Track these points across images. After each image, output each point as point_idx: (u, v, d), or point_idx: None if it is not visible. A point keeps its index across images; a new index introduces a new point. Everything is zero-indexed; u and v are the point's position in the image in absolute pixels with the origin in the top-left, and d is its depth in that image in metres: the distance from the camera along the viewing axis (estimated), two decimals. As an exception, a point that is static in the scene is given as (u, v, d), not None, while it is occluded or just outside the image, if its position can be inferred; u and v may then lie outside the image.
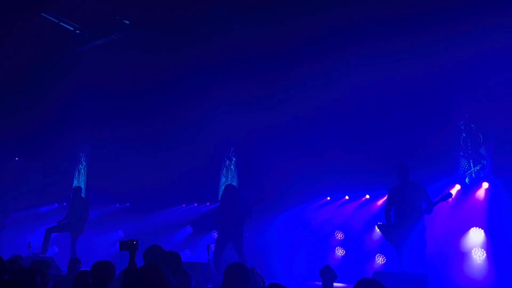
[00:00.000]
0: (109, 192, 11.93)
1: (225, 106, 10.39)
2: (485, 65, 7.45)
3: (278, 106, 9.43)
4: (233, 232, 7.74)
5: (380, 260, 8.29)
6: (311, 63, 8.93)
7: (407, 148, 8.02)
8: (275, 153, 9.66)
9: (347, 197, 9.10)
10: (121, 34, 9.73)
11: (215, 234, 9.37)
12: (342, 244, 8.94)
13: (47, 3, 8.88)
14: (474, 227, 7.33)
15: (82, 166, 13.98)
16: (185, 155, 10.69)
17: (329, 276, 4.19)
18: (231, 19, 8.87)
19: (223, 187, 9.24)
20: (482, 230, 7.26)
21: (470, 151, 7.82)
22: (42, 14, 9.18)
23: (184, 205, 11.44)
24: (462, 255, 7.28)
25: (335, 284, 4.30)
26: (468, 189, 7.62)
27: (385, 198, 8.49)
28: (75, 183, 13.52)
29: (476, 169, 7.71)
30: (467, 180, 7.74)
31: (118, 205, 12.56)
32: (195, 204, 11.33)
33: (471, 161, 7.80)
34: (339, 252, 8.91)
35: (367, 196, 8.84)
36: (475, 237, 7.30)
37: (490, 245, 7.14)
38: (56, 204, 13.48)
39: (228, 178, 11.12)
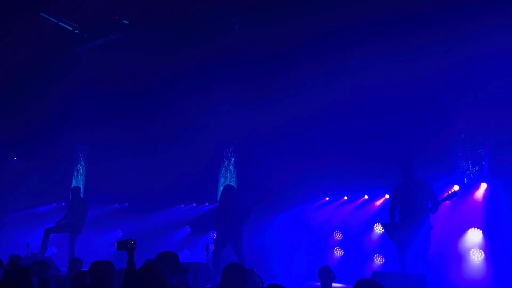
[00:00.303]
0: (108, 192, 11.92)
1: (224, 106, 10.39)
2: (484, 67, 7.45)
3: (277, 107, 9.43)
4: (232, 233, 7.75)
5: (378, 260, 8.30)
6: (310, 63, 8.95)
7: (406, 148, 8.02)
8: (274, 153, 9.67)
9: (346, 198, 9.10)
10: (120, 34, 9.73)
11: (214, 235, 9.37)
12: (340, 244, 8.95)
13: (47, 3, 8.89)
14: (473, 228, 7.34)
15: (81, 166, 13.97)
16: (184, 155, 10.69)
17: (327, 276, 4.19)
18: (230, 19, 8.87)
19: (222, 188, 9.24)
20: (481, 231, 7.27)
21: (468, 152, 7.83)
22: (41, 14, 9.18)
23: (183, 205, 11.43)
24: (461, 256, 7.28)
25: (333, 285, 4.30)
26: (467, 190, 7.62)
27: (383, 198, 8.53)
28: (73, 183, 13.51)
29: (475, 169, 7.71)
30: (465, 180, 7.75)
31: (117, 205, 12.55)
32: (194, 204, 11.33)
33: (469, 161, 7.80)
34: (338, 252, 8.91)
35: (366, 197, 8.84)
36: (474, 237, 7.30)
37: (489, 246, 7.15)
38: (54, 204, 13.46)
39: (227, 178, 11.11)
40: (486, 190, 7.43)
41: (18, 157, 14.55)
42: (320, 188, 9.12)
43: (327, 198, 9.32)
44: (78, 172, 13.94)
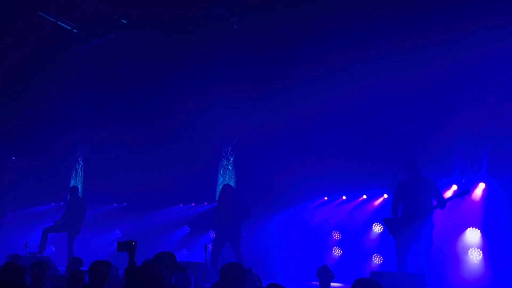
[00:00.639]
0: (107, 191, 11.91)
1: (223, 106, 10.38)
2: (484, 67, 7.46)
3: (276, 106, 9.44)
4: (230, 232, 7.75)
5: (377, 260, 8.32)
6: (309, 63, 8.95)
7: (405, 148, 8.03)
8: (273, 153, 9.68)
9: (344, 197, 9.12)
10: (119, 33, 9.72)
11: (213, 234, 9.37)
12: (339, 244, 8.96)
13: (45, 2, 8.86)
14: (471, 228, 7.35)
15: (79, 165, 13.95)
16: (183, 155, 10.69)
17: (326, 276, 4.19)
18: (229, 19, 8.86)
19: (220, 187, 9.24)
20: (479, 231, 7.28)
21: (467, 152, 7.84)
22: (40, 13, 9.16)
23: (181, 205, 11.44)
24: (459, 256, 7.29)
25: (332, 284, 4.30)
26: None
27: (382, 198, 8.56)
28: (72, 183, 13.50)
29: (473, 169, 7.72)
30: (464, 180, 7.75)
31: (115, 204, 12.55)
32: (193, 204, 11.34)
33: (468, 161, 7.81)
34: (336, 252, 8.92)
35: (364, 196, 8.86)
36: (472, 237, 7.32)
37: (487, 246, 7.17)
38: (53, 203, 13.45)
39: (226, 178, 11.12)
40: (485, 189, 7.44)
41: (17, 157, 14.54)
42: (319, 187, 9.14)
43: (326, 198, 9.34)
44: (76, 171, 13.94)
